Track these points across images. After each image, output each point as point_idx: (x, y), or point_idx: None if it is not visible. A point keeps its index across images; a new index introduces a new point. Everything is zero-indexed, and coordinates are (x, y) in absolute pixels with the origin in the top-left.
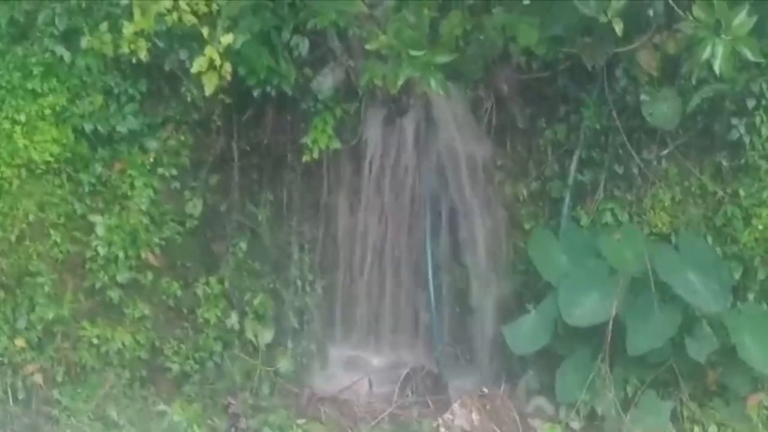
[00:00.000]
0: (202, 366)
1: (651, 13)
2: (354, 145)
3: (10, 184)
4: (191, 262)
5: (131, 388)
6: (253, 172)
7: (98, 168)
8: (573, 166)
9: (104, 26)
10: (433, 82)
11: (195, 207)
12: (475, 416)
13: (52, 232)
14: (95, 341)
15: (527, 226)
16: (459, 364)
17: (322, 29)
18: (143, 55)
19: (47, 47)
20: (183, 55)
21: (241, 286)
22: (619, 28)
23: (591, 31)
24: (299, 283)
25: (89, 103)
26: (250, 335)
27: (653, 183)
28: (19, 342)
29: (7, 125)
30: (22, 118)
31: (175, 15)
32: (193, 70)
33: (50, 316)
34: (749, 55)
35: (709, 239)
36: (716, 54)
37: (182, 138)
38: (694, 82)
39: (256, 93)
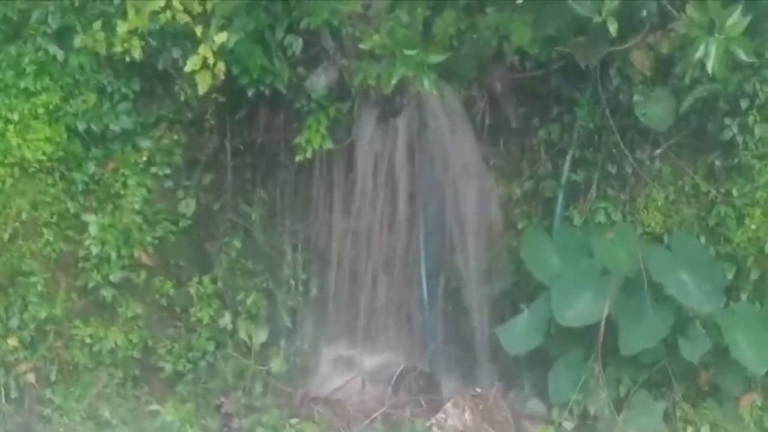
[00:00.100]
0: (195, 365)
1: (644, 12)
2: (347, 145)
3: (3, 182)
4: (184, 262)
5: (124, 388)
6: (247, 171)
7: (91, 167)
8: (566, 166)
9: (97, 25)
10: (426, 82)
11: (188, 206)
12: (467, 416)
13: (44, 231)
14: (88, 340)
15: (520, 226)
16: (452, 364)
17: (316, 28)
18: (137, 54)
19: (40, 46)
20: (176, 53)
21: (234, 286)
22: (613, 27)
23: (584, 31)
24: (292, 282)
25: (82, 101)
26: (243, 335)
27: (646, 183)
28: (12, 341)
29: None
30: (15, 116)
31: (168, 14)
32: (187, 69)
33: (43, 315)
34: (742, 55)
35: (702, 239)
36: (709, 54)
37: (175, 137)
38: (687, 81)
39: (249, 92)
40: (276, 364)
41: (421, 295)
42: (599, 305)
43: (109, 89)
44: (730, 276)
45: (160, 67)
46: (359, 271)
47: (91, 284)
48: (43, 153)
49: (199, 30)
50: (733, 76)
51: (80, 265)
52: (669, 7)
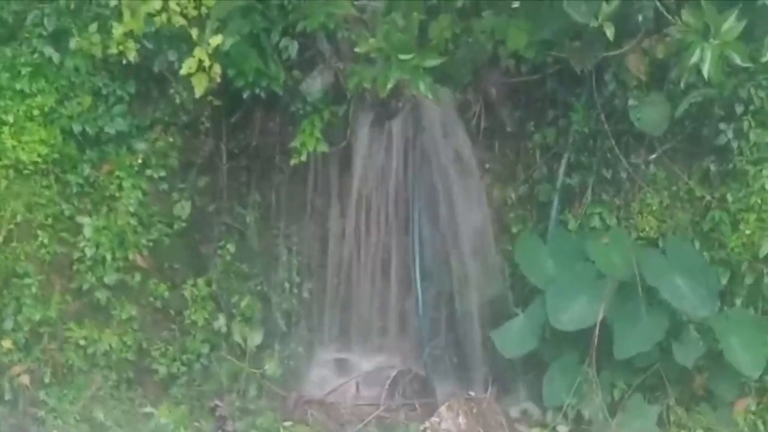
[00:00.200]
0: (190, 368)
1: (640, 17)
2: (342, 148)
3: None
4: (179, 264)
5: (118, 390)
6: (242, 174)
7: (86, 169)
8: (561, 170)
9: (93, 27)
10: (421, 86)
11: (183, 209)
12: (462, 420)
13: (39, 233)
14: (82, 342)
15: (515, 230)
16: (446, 368)
17: (312, 32)
18: (132, 57)
19: (36, 48)
20: (172, 56)
21: (228, 288)
22: (610, 32)
23: (580, 35)
24: (287, 285)
25: (77, 104)
26: (237, 337)
27: (641, 187)
28: (6, 343)
29: None
30: (10, 118)
31: (164, 16)
32: (182, 71)
33: (37, 317)
34: (738, 60)
35: (697, 244)
36: (705, 58)
37: (171, 140)
38: (682, 86)
39: (245, 95)
40: (270, 367)
41: (416, 299)
42: (594, 309)
43: (104, 91)
44: (724, 281)
45: (155, 69)
46: (354, 275)
47: (85, 286)
48: (38, 155)
49: (194, 33)
50: (728, 81)
51: (75, 267)
52: (664, 12)
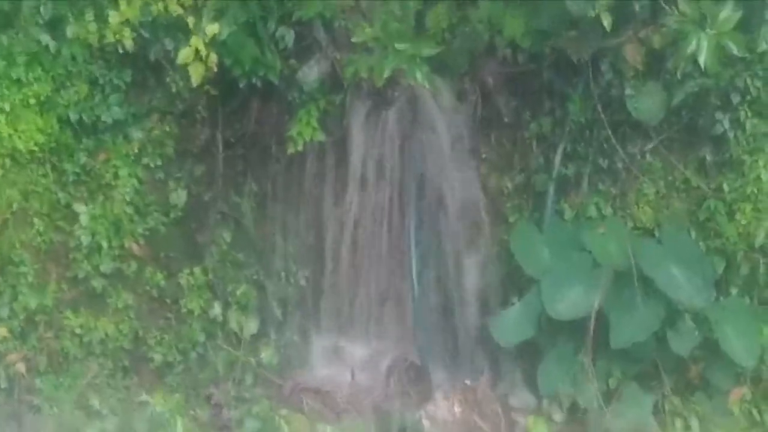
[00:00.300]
0: (185, 356)
1: (637, 7)
2: (339, 137)
3: None
4: (175, 253)
5: (114, 378)
6: (238, 163)
7: (82, 157)
8: (558, 160)
9: (90, 15)
10: (418, 75)
11: (179, 197)
12: (457, 408)
13: (35, 221)
14: (78, 331)
15: (511, 219)
16: (442, 356)
17: (308, 21)
18: (129, 45)
19: (32, 36)
20: (169, 45)
21: (224, 277)
22: (607, 22)
23: (577, 25)
24: (283, 274)
25: (74, 92)
26: (233, 326)
27: (637, 177)
28: (2, 331)
29: None
30: (7, 106)
31: (160, 5)
32: (179, 60)
33: (33, 305)
34: (734, 50)
35: (693, 234)
36: (701, 48)
37: (167, 128)
38: (679, 76)
39: (241, 84)
40: (266, 355)
41: (412, 287)
42: (590, 299)
43: (100, 80)
44: (720, 270)
45: (152, 58)
46: (349, 263)
47: (81, 274)
48: (35, 143)
49: (191, 21)
50: (724, 71)
51: (71, 255)
52: (661, 1)
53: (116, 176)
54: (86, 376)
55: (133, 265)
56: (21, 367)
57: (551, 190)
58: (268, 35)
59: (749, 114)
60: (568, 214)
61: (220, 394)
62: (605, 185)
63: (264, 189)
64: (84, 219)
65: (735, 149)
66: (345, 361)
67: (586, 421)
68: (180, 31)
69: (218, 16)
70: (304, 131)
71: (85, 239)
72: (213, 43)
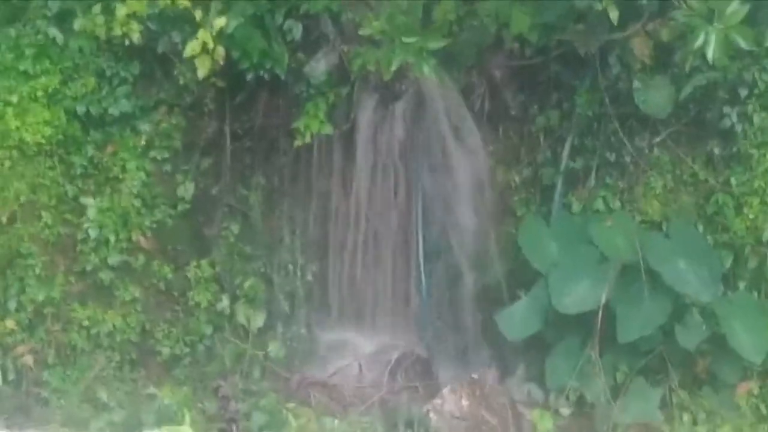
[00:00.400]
0: (193, 349)
1: (644, 0)
2: (346, 130)
3: (2, 165)
4: (182, 246)
5: (121, 371)
6: (245, 156)
7: (90, 150)
8: (565, 153)
9: (97, 8)
10: (425, 68)
11: (186, 190)
12: (464, 402)
13: (43, 213)
14: (86, 323)
15: (519, 213)
16: (449, 350)
17: (316, 14)
18: (136, 38)
19: (40, 29)
20: (176, 37)
21: (232, 270)
22: (614, 15)
23: (584, 19)
24: (290, 267)
25: (82, 85)
26: (240, 319)
27: (645, 171)
28: (10, 323)
29: None
30: (14, 99)
31: None
32: (186, 53)
33: (41, 297)
34: (742, 44)
35: (701, 227)
36: (709, 42)
37: (174, 121)
38: (687, 70)
39: (248, 77)
40: (273, 349)
41: (419, 281)
42: (597, 293)
43: (108, 73)
44: (727, 264)
45: (159, 51)
46: (357, 257)
47: (89, 267)
48: (42, 136)
49: (198, 14)
50: (732, 65)
51: (78, 248)
52: None
53: (124, 169)
54: (94, 369)
55: (141, 258)
56: (29, 360)
57: (559, 183)
58: (275, 28)
59: (757, 108)
60: (576, 207)
61: (227, 387)
62: (613, 179)
63: (271, 182)
64: (91, 212)
65: (743, 143)
66: (352, 355)
67: (594, 415)
68: (187, 23)
69: (225, 8)
70: (312, 124)
71: (93, 232)
72: (220, 35)
